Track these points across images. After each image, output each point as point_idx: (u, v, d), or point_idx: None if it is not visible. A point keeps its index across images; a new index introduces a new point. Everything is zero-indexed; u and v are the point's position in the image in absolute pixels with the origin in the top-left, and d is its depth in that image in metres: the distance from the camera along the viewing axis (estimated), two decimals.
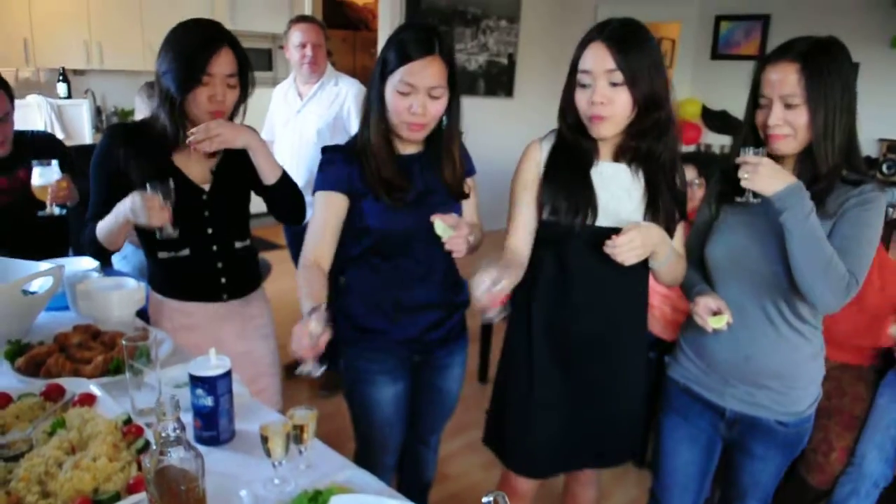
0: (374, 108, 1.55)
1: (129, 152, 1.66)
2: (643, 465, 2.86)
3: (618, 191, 1.49)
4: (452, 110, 1.58)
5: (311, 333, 1.29)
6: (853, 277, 1.40)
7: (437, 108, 1.52)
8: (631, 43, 1.36)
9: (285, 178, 1.77)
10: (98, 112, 5.45)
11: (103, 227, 1.66)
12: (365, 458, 1.76)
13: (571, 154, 1.49)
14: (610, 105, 1.38)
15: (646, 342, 1.70)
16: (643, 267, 1.49)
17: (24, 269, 1.75)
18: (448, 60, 1.51)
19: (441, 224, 1.49)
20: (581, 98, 1.42)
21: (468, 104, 1.62)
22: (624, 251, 1.35)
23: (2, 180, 2.22)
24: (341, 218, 1.59)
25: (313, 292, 1.47)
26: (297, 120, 3.18)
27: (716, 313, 1.48)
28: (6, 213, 2.18)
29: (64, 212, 2.03)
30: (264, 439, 1.17)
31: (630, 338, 1.62)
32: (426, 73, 1.47)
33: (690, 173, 2.80)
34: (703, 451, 1.70)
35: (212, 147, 1.63)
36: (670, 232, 1.50)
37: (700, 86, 6.15)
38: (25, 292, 1.69)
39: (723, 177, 1.60)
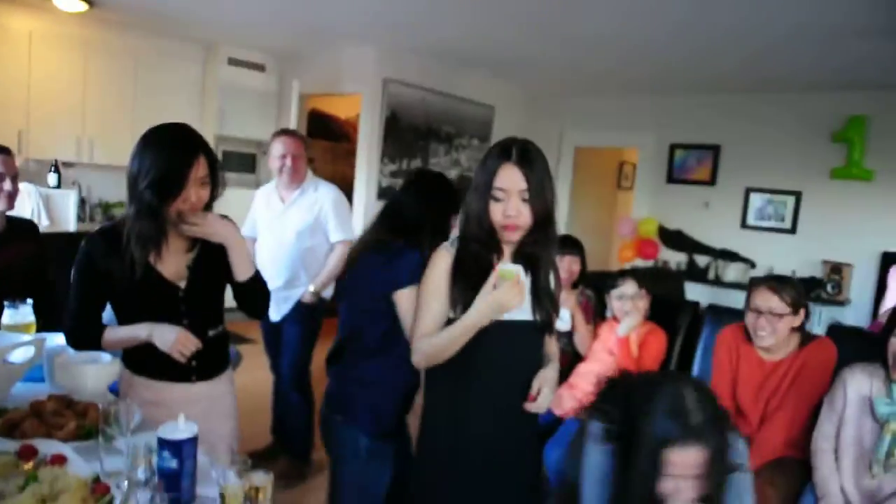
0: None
1: (109, 257, 1.75)
2: None
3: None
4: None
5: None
6: None
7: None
8: (535, 164, 1.64)
9: (256, 277, 1.88)
10: (82, 203, 5.62)
11: (115, 338, 1.78)
12: None
13: (477, 257, 1.71)
14: (520, 216, 1.65)
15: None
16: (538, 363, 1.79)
17: (7, 340, 1.84)
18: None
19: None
20: (496, 210, 1.65)
21: None
22: (544, 404, 1.72)
23: None
24: None
25: None
26: (278, 222, 3.37)
27: None
28: None
29: None
30: (222, 497, 1.27)
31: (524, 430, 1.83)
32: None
33: (631, 287, 3.01)
34: None
35: (200, 234, 1.77)
36: (551, 323, 1.79)
37: (657, 206, 6.51)
38: (5, 361, 1.78)
39: None
